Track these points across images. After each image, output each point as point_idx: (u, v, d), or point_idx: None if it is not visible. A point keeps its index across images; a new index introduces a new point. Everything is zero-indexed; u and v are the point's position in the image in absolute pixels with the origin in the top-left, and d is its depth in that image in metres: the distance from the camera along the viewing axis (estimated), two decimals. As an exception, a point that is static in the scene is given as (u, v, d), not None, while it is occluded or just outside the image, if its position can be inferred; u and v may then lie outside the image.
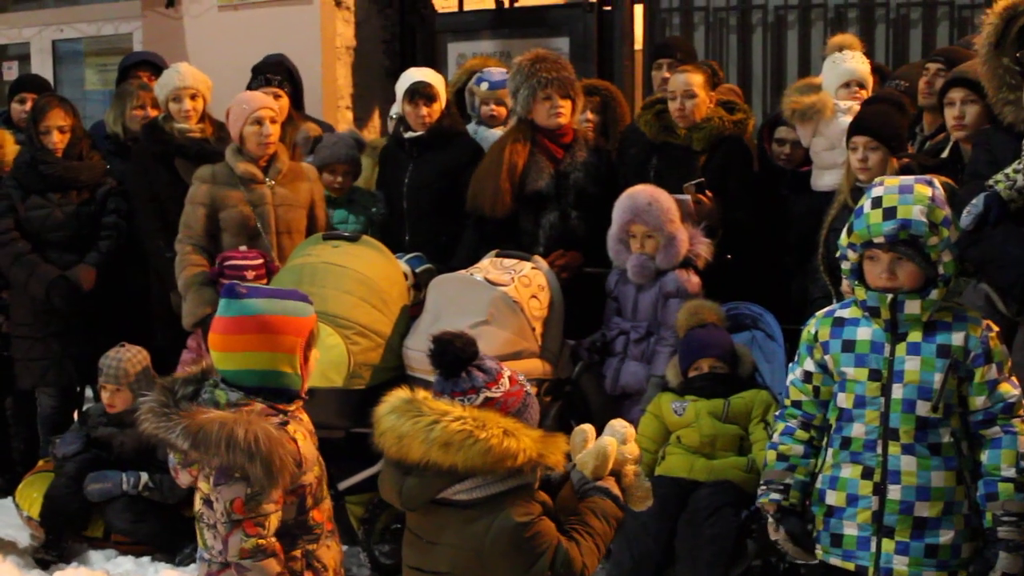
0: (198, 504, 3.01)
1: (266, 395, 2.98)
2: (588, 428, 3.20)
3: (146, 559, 4.94)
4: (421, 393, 3.03)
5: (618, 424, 3.21)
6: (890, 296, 3.24)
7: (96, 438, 5.09)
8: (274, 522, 2.91)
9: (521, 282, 4.70)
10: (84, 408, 5.70)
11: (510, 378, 3.07)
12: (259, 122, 5.18)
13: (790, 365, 3.57)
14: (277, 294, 3.08)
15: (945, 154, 4.52)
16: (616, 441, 3.15)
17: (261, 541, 2.87)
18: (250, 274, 4.98)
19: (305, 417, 3.11)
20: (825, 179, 4.86)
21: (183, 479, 3.06)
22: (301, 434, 3.00)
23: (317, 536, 3.05)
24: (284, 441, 2.89)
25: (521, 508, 2.95)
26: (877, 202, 3.24)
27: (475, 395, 3.00)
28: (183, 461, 3.00)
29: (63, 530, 5.02)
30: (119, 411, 5.03)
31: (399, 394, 3.03)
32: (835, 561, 3.40)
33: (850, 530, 3.34)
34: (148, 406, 2.95)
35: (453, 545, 2.97)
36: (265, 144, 5.21)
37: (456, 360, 3.01)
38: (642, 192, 4.77)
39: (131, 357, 5.05)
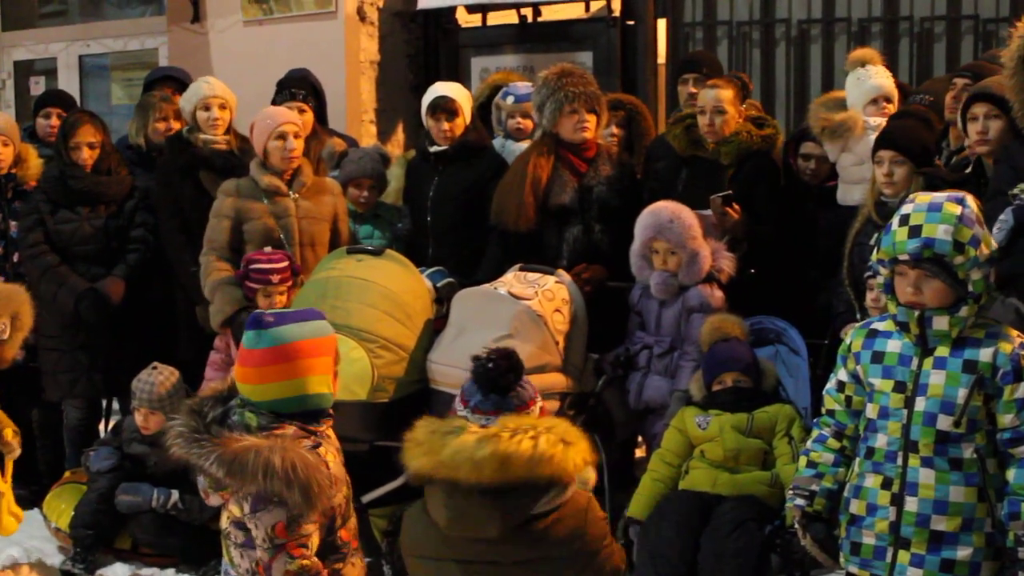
0: (225, 522, 3.01)
1: (298, 417, 2.98)
2: None
3: (171, 571, 4.97)
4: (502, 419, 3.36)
5: None
6: (918, 312, 3.24)
7: (129, 454, 5.11)
8: (315, 541, 2.91)
9: (544, 296, 4.71)
10: (113, 421, 5.72)
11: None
12: (283, 137, 5.22)
13: (831, 375, 3.58)
14: (300, 317, 3.07)
15: (968, 170, 4.50)
16: None
17: (305, 562, 2.87)
18: (275, 277, 5.01)
19: (332, 434, 3.11)
20: (853, 194, 4.85)
21: (213, 500, 3.05)
22: (332, 455, 3.00)
23: (344, 555, 3.05)
24: (320, 465, 2.89)
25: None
26: (905, 219, 3.23)
27: (533, 406, 3.37)
28: (215, 486, 2.99)
29: (92, 544, 5.03)
30: (153, 432, 5.02)
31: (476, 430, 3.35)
32: (853, 569, 3.41)
33: (868, 539, 3.34)
34: (177, 430, 2.94)
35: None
36: (289, 159, 5.24)
37: (513, 375, 3.23)
38: (664, 209, 4.77)
39: (163, 380, 5.02)
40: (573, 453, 3.38)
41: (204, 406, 3.00)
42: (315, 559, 2.90)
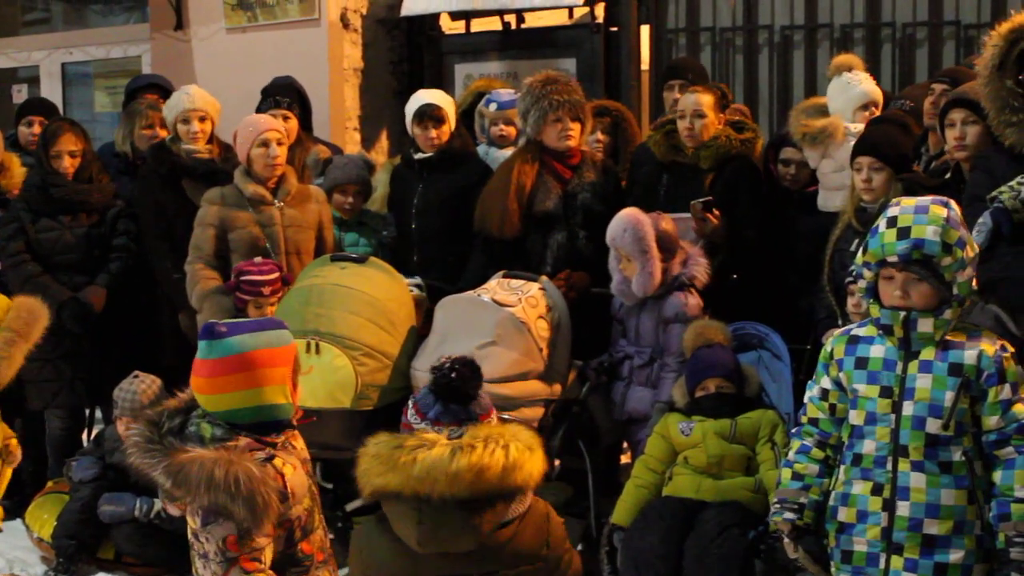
0: (189, 532, 3.00)
1: (254, 428, 2.95)
2: None
3: (155, 580, 4.97)
4: (471, 429, 3.41)
5: None
6: (903, 314, 3.25)
7: (112, 463, 5.09)
8: (269, 554, 2.88)
9: (528, 303, 4.71)
10: (96, 430, 5.70)
11: None
12: (265, 144, 5.21)
13: (808, 383, 3.57)
14: (256, 327, 3.04)
15: (947, 175, 4.51)
16: None
17: (261, 575, 2.86)
18: (267, 289, 5.01)
19: (300, 444, 3.07)
20: (834, 200, 4.86)
21: (172, 511, 3.04)
22: (290, 466, 2.96)
23: (307, 568, 3.01)
24: (267, 479, 2.85)
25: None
26: (892, 222, 3.25)
27: (492, 414, 3.32)
28: (168, 496, 2.97)
29: (74, 554, 5.01)
30: None
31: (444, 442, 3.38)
32: (845, 578, 3.41)
33: (860, 546, 3.34)
34: (133, 440, 2.92)
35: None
36: (272, 166, 5.23)
37: (475, 384, 3.19)
38: (622, 217, 4.73)
39: (145, 389, 4.99)
40: (536, 459, 3.46)
41: (162, 416, 2.98)
42: (269, 572, 2.87)
